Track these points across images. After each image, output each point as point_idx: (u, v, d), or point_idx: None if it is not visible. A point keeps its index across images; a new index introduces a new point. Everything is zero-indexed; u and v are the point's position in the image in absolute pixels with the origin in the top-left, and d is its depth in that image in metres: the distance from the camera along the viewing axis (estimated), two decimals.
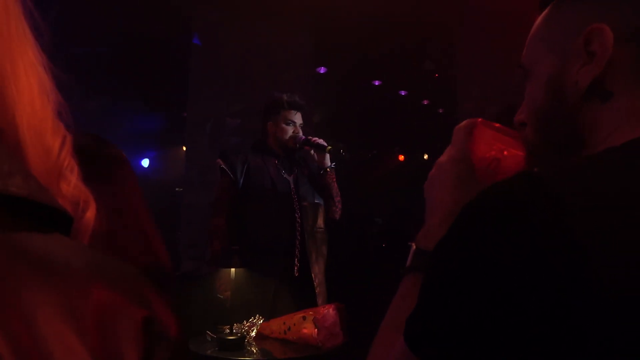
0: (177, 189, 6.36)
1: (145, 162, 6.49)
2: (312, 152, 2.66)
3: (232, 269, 2.35)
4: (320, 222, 2.66)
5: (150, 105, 5.69)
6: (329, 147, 2.56)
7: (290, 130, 2.64)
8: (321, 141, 2.60)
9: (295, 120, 2.67)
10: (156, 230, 0.89)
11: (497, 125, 0.69)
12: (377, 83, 6.32)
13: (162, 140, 6.31)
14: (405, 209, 6.79)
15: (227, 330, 2.18)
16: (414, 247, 0.69)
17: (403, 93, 6.56)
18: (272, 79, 4.66)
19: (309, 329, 1.95)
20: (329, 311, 1.93)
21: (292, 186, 2.62)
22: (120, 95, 5.26)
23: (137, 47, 4.85)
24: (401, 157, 8.18)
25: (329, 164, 2.63)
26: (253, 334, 2.15)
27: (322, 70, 5.84)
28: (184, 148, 6.49)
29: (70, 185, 0.40)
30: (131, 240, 0.81)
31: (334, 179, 2.66)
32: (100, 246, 0.64)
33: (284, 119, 2.66)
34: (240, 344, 2.01)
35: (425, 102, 6.86)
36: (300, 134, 2.66)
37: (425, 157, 7.99)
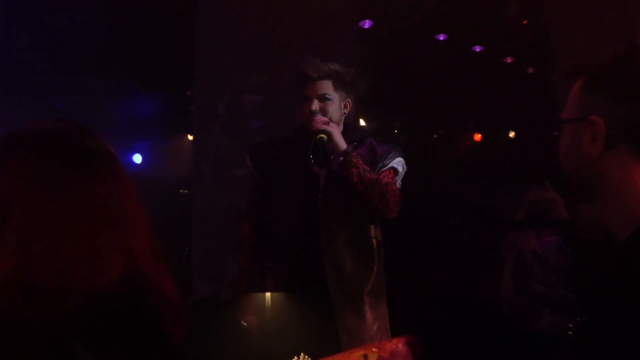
0: (181, 191, 6.46)
1: (138, 158, 6.59)
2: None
3: (267, 294, 2.37)
4: (370, 229, 2.68)
5: (145, 83, 5.80)
6: (317, 136, 2.56)
7: (306, 108, 2.68)
8: (317, 125, 2.61)
9: (311, 95, 2.69)
10: (154, 244, 0.90)
11: None
12: (441, 37, 6.22)
13: (160, 127, 6.42)
14: (486, 204, 6.68)
15: None
16: None
17: (477, 49, 6.45)
18: (302, 40, 4.64)
19: None
20: (397, 347, 1.89)
21: (321, 183, 2.65)
22: (105, 71, 5.37)
23: (127, 7, 4.94)
24: (477, 137, 8.05)
25: (339, 151, 2.61)
26: None
27: (367, 24, 5.80)
28: (190, 137, 6.61)
29: None
30: (117, 257, 0.83)
31: (355, 171, 2.60)
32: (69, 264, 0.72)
33: (301, 95, 2.73)
34: None
35: (509, 60, 6.73)
36: (317, 112, 2.68)
37: (511, 134, 7.85)
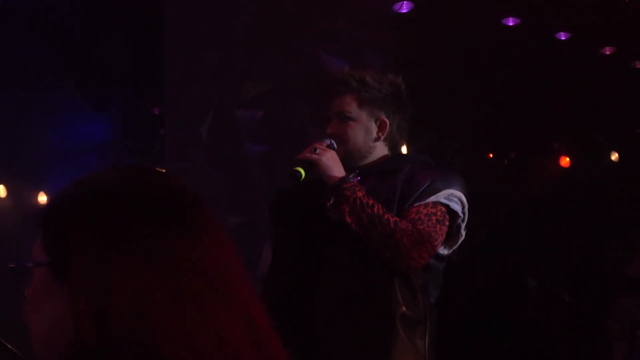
0: None
1: None
2: None
3: None
4: (362, 286, 2.75)
5: (96, 98, 5.84)
6: (295, 169, 2.71)
7: (327, 131, 2.89)
8: (305, 152, 2.78)
9: (328, 113, 2.89)
10: (261, 306, 1.08)
11: None
12: (511, 22, 6.32)
13: (117, 157, 6.49)
14: (583, 255, 6.69)
15: None
16: None
17: (563, 37, 6.53)
18: (316, 30, 4.76)
19: None
20: None
21: (329, 231, 2.78)
22: (42, 84, 5.47)
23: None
24: (566, 160, 8.10)
25: (327, 184, 2.74)
26: None
27: (405, 7, 5.92)
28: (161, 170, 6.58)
29: None
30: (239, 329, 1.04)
31: (344, 205, 2.69)
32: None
33: (322, 113, 2.95)
34: None
35: (607, 51, 6.80)
36: (332, 137, 2.86)
37: (614, 157, 7.89)
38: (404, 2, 5.86)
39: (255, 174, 4.80)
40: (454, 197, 2.78)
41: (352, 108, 2.83)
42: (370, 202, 2.66)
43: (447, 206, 2.75)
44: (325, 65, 4.62)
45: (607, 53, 6.77)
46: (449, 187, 2.77)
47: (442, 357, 2.91)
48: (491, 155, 7.98)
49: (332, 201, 2.69)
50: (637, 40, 6.38)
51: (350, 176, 2.72)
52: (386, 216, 2.64)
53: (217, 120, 4.88)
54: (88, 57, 5.51)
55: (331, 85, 2.89)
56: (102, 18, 5.36)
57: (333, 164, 2.73)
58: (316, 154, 2.71)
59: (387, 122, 2.89)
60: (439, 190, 2.74)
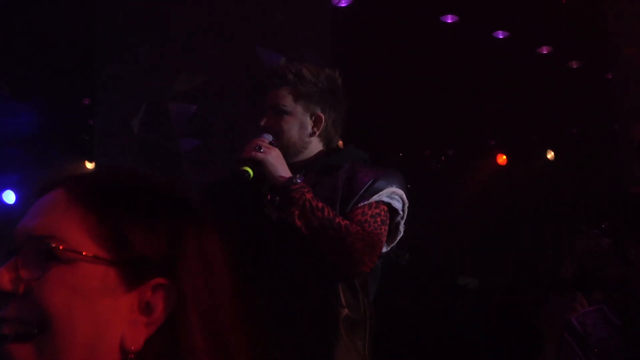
0: None
1: (9, 196, 6.53)
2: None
3: None
4: (339, 299, 2.69)
5: (18, 88, 5.73)
6: (243, 169, 2.63)
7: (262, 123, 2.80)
8: (246, 153, 2.67)
9: (265, 105, 2.81)
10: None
11: None
12: (449, 20, 6.36)
13: (42, 152, 6.37)
14: (516, 256, 6.76)
15: None
16: None
17: (500, 35, 6.60)
18: (254, 23, 4.72)
19: None
20: None
21: (269, 230, 2.71)
22: None
23: None
24: (502, 158, 8.20)
25: (274, 184, 2.66)
26: None
27: (344, 2, 5.91)
28: (90, 165, 6.48)
29: None
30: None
31: (293, 208, 2.61)
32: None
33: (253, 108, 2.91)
34: None
35: (544, 50, 6.88)
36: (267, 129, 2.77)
37: (550, 155, 8.02)
38: None
39: (188, 169, 4.73)
40: (395, 195, 2.75)
41: (288, 101, 2.77)
42: (320, 205, 2.61)
43: (388, 204, 2.72)
44: (261, 60, 4.58)
45: (545, 52, 6.88)
46: (391, 185, 2.74)
47: (379, 355, 2.91)
48: (428, 154, 8.04)
49: (277, 202, 2.63)
50: (573, 40, 6.48)
51: (297, 177, 2.65)
52: (337, 220, 2.60)
53: (149, 114, 4.82)
54: (13, 45, 5.38)
55: (267, 77, 2.82)
56: (33, 5, 5.25)
57: (278, 163, 2.66)
58: (261, 152, 2.64)
59: (323, 117, 2.83)
60: (381, 189, 2.71)
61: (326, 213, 2.60)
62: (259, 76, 2.98)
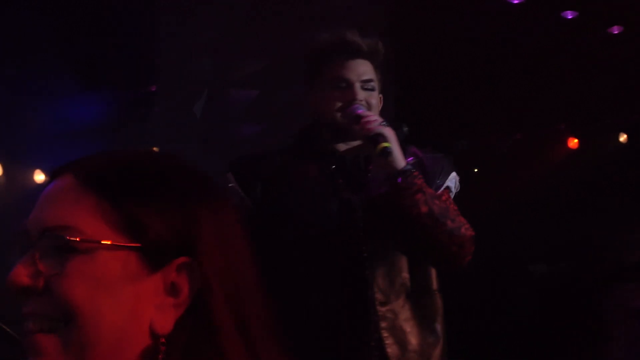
0: None
1: None
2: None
3: None
4: (432, 283, 2.66)
5: (86, 77, 5.84)
6: (383, 146, 2.42)
7: (338, 98, 2.61)
8: (374, 128, 2.49)
9: (351, 77, 2.62)
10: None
11: None
12: (515, 1, 6.25)
13: (110, 138, 6.47)
14: (586, 242, 6.64)
15: None
16: None
17: (570, 16, 6.45)
18: (315, 9, 4.70)
19: None
20: None
21: (356, 215, 2.59)
22: (30, 61, 5.45)
23: None
24: (573, 142, 8.04)
25: (394, 169, 2.47)
26: None
27: None
28: (154, 150, 6.65)
29: None
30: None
31: (421, 197, 2.46)
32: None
33: (330, 79, 2.65)
34: None
35: (615, 30, 6.72)
36: (358, 105, 2.60)
37: (622, 138, 7.83)
38: None
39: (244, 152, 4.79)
40: (454, 179, 2.72)
41: (373, 76, 2.67)
42: (433, 191, 2.52)
43: (449, 189, 2.68)
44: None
45: (615, 33, 6.73)
46: (452, 169, 2.72)
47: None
48: (493, 138, 7.93)
49: (402, 187, 2.44)
50: None
51: (411, 163, 2.52)
52: (451, 207, 2.54)
53: (211, 100, 4.88)
54: (81, 36, 5.48)
55: (333, 47, 2.67)
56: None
57: (397, 145, 2.50)
58: (387, 130, 2.48)
59: (381, 96, 2.76)
60: (448, 174, 2.68)
61: (441, 202, 2.51)
62: (327, 42, 2.72)
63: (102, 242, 0.98)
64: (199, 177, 1.10)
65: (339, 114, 2.61)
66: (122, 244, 0.98)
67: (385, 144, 2.42)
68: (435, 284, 2.70)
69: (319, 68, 2.70)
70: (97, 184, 1.02)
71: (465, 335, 5.29)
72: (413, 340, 2.57)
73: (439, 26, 6.11)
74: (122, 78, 5.74)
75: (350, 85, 2.62)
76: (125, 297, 0.98)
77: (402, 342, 2.54)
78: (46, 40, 5.33)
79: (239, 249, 1.07)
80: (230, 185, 2.61)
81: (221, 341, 0.98)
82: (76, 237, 0.97)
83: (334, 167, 2.63)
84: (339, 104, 2.61)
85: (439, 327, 2.65)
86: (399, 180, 2.44)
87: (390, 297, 2.56)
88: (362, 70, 2.65)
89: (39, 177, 6.43)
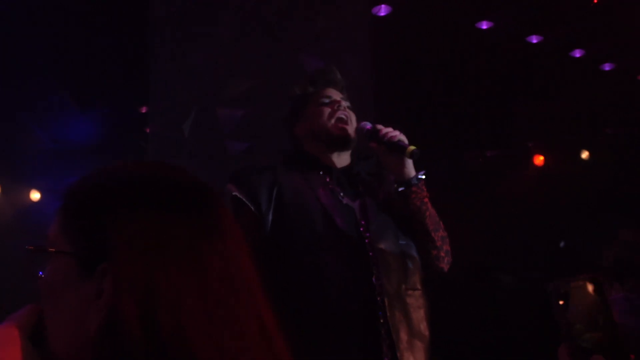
0: None
1: None
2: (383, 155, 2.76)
3: None
4: (415, 279, 2.71)
5: (80, 96, 5.79)
6: (412, 148, 2.58)
7: (326, 110, 2.81)
8: (397, 135, 2.69)
9: (333, 95, 2.87)
10: (268, 303, 1.13)
11: None
12: (484, 26, 6.35)
13: (102, 157, 6.43)
14: (553, 252, 6.69)
15: None
16: None
17: (534, 40, 6.57)
18: (298, 31, 4.77)
19: None
20: None
21: (359, 219, 2.69)
22: (25, 80, 5.49)
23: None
24: (539, 159, 8.14)
25: (413, 173, 2.69)
26: None
27: (384, 11, 5.95)
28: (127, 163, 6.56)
29: None
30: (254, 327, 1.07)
31: (428, 201, 2.71)
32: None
33: (316, 99, 2.87)
34: None
35: (577, 54, 6.85)
36: (364, 122, 2.80)
37: (584, 155, 7.93)
38: (382, 5, 5.91)
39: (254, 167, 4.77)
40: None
41: (348, 103, 2.88)
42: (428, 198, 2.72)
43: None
44: (304, 65, 4.64)
45: (577, 56, 6.82)
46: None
47: None
48: (468, 155, 7.97)
49: (407, 192, 2.66)
50: (605, 43, 6.44)
51: (421, 173, 2.71)
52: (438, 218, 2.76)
53: (199, 119, 4.86)
54: (75, 57, 5.49)
55: (321, 76, 2.94)
56: (88, 18, 5.35)
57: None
58: (406, 141, 2.67)
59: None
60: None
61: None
62: (317, 71, 3.03)
63: (49, 249, 1.07)
64: (143, 186, 1.11)
65: (331, 122, 2.79)
66: (63, 251, 1.05)
67: (412, 147, 2.59)
68: (421, 285, 2.77)
69: (305, 100, 2.90)
70: (63, 202, 1.11)
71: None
72: (418, 332, 2.64)
73: (413, 51, 6.20)
74: (116, 98, 5.75)
75: (333, 100, 2.85)
76: (70, 300, 1.04)
77: (409, 335, 2.61)
78: (40, 62, 5.34)
79: (174, 256, 1.03)
80: (233, 194, 2.68)
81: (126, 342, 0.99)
82: (46, 246, 1.08)
83: (328, 179, 2.75)
84: (328, 111, 2.80)
85: (424, 326, 2.70)
86: (415, 185, 2.67)
87: (399, 299, 2.64)
88: (336, 94, 2.90)
89: (35, 195, 6.47)
